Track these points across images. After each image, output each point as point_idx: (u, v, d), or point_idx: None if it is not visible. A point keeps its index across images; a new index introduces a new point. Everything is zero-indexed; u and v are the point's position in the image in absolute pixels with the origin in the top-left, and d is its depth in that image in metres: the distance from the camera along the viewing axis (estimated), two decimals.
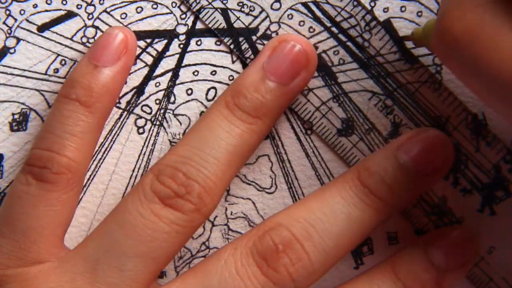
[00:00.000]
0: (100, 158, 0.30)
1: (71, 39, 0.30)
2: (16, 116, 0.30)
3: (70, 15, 0.30)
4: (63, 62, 0.30)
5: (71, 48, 0.30)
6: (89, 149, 0.28)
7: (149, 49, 0.30)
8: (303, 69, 0.27)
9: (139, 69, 0.30)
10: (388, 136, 0.29)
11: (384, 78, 0.28)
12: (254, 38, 0.29)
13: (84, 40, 0.30)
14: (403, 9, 0.29)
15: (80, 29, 0.30)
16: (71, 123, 0.28)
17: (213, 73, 0.30)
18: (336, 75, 0.29)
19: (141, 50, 0.30)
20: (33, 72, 0.30)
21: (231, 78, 0.30)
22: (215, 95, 0.30)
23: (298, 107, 0.29)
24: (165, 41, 0.30)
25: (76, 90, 0.28)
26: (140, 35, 0.30)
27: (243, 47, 0.29)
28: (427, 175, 0.26)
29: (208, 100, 0.30)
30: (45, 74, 0.30)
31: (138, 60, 0.30)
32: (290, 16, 0.29)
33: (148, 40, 0.30)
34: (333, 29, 0.29)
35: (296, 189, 0.30)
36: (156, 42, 0.30)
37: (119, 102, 0.30)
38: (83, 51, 0.30)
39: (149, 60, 0.30)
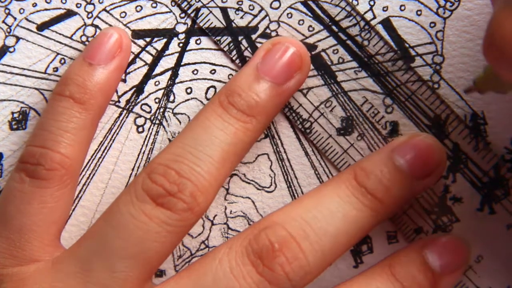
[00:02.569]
0: (100, 157, 0.30)
1: (70, 38, 0.30)
2: (16, 115, 0.30)
3: (69, 14, 0.30)
4: (62, 61, 0.30)
5: (70, 47, 0.30)
6: (83, 146, 0.28)
7: (149, 48, 0.30)
8: (297, 71, 0.27)
9: (138, 68, 0.30)
10: (387, 135, 0.28)
11: (383, 77, 0.28)
12: (253, 37, 0.29)
13: (84, 39, 0.30)
14: (402, 8, 0.28)
15: (79, 28, 0.30)
16: (64, 119, 0.28)
17: (213, 72, 0.30)
18: (336, 73, 0.29)
19: (140, 49, 0.30)
20: (33, 71, 0.30)
21: (230, 77, 0.30)
22: (214, 94, 0.30)
23: (297, 106, 0.29)
24: (165, 40, 0.30)
25: (70, 87, 0.28)
26: (140, 34, 0.30)
27: (242, 46, 0.29)
28: (421, 178, 0.26)
29: (208, 99, 0.30)
30: (45, 73, 0.30)
31: (137, 59, 0.30)
32: (289, 15, 0.29)
33: (148, 39, 0.30)
34: (333, 27, 0.29)
35: (296, 188, 0.30)
36: (156, 41, 0.30)
37: (119, 101, 0.30)
38: (82, 50, 0.30)
39: (148, 59, 0.30)
